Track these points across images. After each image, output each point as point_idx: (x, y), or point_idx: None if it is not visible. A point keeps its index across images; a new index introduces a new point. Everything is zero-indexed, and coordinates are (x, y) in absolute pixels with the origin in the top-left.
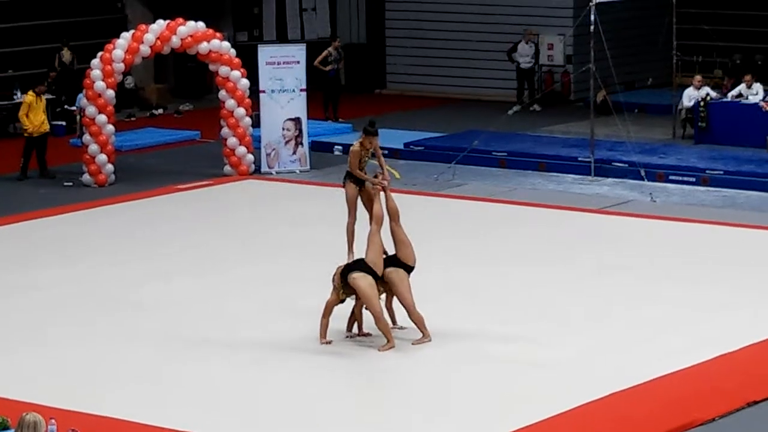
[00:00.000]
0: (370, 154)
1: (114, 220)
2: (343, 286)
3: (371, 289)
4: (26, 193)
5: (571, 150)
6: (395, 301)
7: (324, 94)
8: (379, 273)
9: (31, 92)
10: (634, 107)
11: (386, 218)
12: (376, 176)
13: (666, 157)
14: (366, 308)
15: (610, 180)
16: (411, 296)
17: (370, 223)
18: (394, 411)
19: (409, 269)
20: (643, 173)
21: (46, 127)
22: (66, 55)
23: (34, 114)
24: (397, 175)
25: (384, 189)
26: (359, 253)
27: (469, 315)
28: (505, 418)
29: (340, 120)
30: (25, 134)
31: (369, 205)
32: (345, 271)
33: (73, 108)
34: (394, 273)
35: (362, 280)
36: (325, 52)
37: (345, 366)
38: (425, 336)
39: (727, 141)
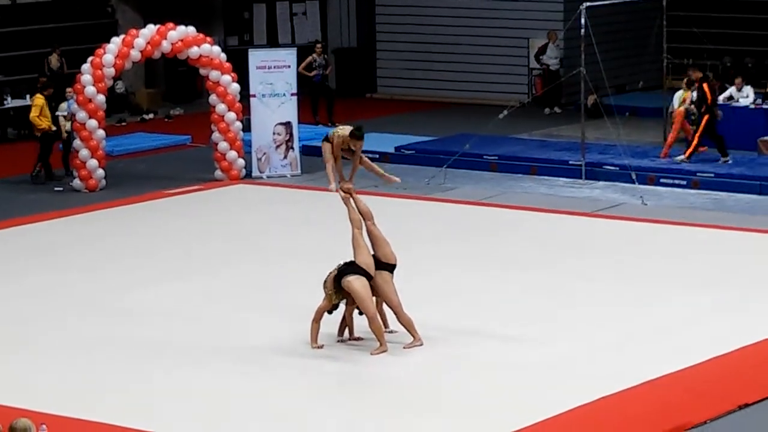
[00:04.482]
0: (350, 152)
1: (105, 225)
2: (336, 290)
3: (365, 290)
4: (16, 199)
5: (562, 153)
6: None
7: (311, 99)
8: (372, 273)
9: (39, 95)
10: (625, 110)
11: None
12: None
13: (657, 160)
14: (360, 310)
15: (601, 183)
16: (397, 298)
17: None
18: (387, 415)
19: (390, 268)
20: (634, 176)
21: (53, 128)
22: (53, 60)
23: (44, 116)
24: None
25: (351, 194)
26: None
27: (461, 318)
28: (497, 422)
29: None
30: (39, 134)
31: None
32: (338, 276)
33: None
34: (378, 276)
35: (356, 282)
36: (309, 58)
37: (337, 370)
38: (416, 339)
39: None
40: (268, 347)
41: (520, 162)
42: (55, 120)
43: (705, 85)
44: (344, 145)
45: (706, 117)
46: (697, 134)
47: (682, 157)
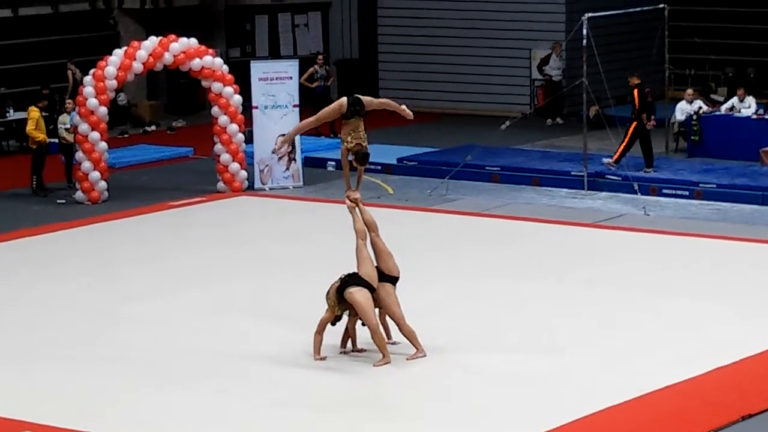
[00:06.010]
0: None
1: (107, 237)
2: (339, 302)
3: (368, 302)
4: (19, 211)
5: (564, 164)
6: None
7: (314, 111)
8: (375, 285)
9: (34, 107)
10: (627, 121)
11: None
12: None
13: (659, 170)
14: (362, 322)
15: (603, 194)
16: (400, 309)
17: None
18: (390, 426)
19: (393, 280)
20: (636, 187)
21: (47, 141)
22: (78, 72)
23: (39, 129)
24: (390, 191)
25: (357, 204)
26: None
27: (463, 329)
28: None
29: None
30: (34, 146)
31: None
32: (340, 287)
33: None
34: (381, 288)
35: (359, 294)
36: (311, 69)
37: (340, 381)
38: (419, 351)
39: (719, 154)
40: (270, 358)
41: (523, 173)
42: (54, 132)
43: (635, 92)
44: (349, 154)
45: (633, 124)
46: (625, 140)
47: (609, 160)
